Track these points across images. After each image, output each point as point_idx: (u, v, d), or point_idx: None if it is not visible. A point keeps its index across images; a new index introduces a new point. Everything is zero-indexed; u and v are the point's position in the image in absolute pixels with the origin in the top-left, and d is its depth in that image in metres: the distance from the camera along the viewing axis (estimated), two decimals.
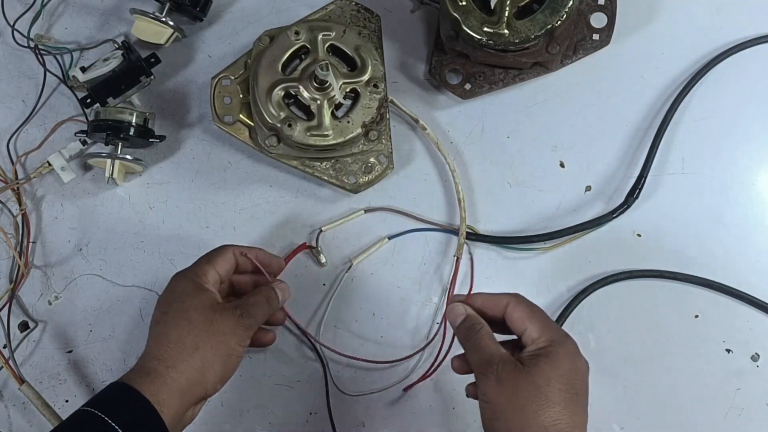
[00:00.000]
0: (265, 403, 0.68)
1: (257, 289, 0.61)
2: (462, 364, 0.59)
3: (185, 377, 0.54)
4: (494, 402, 0.53)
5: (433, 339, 0.68)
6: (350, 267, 0.70)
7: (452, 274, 0.69)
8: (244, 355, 0.58)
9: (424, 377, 0.67)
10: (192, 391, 0.55)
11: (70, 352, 0.69)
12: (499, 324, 0.57)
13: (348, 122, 0.66)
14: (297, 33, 0.67)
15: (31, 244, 0.71)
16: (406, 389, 0.68)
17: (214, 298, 0.58)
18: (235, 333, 0.57)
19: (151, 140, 0.69)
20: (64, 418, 0.66)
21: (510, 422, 0.52)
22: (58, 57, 0.73)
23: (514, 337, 0.57)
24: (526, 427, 0.51)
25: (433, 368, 0.67)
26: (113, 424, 0.51)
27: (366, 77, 0.67)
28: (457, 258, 0.69)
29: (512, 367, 0.53)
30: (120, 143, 0.68)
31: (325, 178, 0.69)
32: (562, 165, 0.73)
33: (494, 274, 0.70)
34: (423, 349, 0.68)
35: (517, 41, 0.65)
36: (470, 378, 0.57)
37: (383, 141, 0.69)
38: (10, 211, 0.71)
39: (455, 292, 0.69)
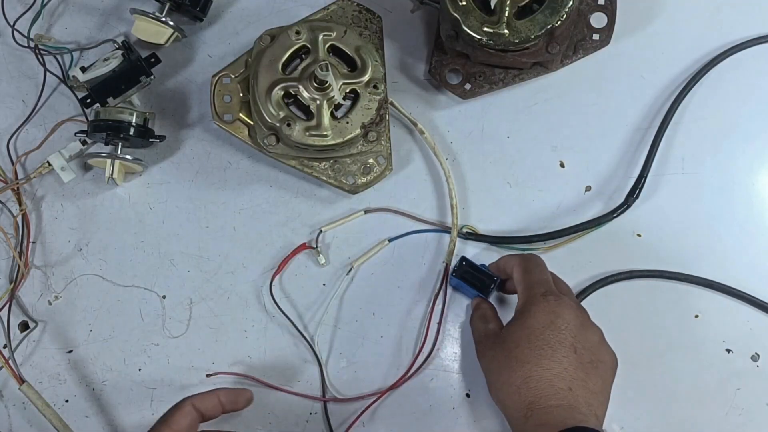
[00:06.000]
0: (265, 402, 0.68)
1: None
2: None
3: None
4: (484, 373, 0.61)
5: (423, 344, 0.69)
6: (351, 270, 0.70)
7: (442, 280, 0.69)
8: None
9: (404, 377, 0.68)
10: None
11: (70, 352, 0.69)
12: None
13: (347, 123, 0.66)
14: (298, 33, 0.67)
15: (31, 244, 0.71)
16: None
17: None
18: None
19: (151, 140, 0.69)
20: (64, 418, 0.66)
21: (492, 388, 0.59)
22: (58, 57, 0.73)
23: None
24: (501, 389, 0.58)
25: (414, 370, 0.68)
26: None
27: (366, 78, 0.67)
28: (447, 264, 0.69)
29: (491, 340, 0.61)
30: (120, 143, 0.68)
31: (324, 178, 0.69)
32: (562, 165, 0.73)
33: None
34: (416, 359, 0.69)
35: (517, 41, 0.65)
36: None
37: (382, 142, 0.69)
38: (10, 211, 0.71)
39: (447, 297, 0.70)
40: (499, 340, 0.59)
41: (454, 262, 0.69)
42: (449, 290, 0.70)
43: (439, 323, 0.68)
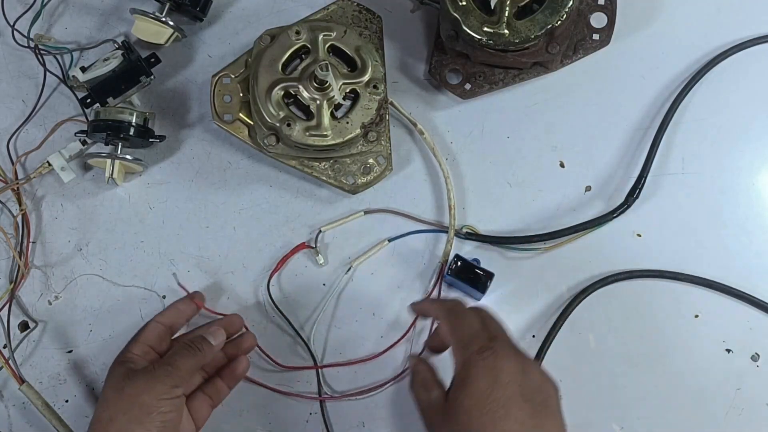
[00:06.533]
0: (264, 403, 0.68)
1: (178, 339, 0.62)
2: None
3: None
4: None
5: (408, 331, 0.69)
6: (350, 269, 0.70)
7: (436, 280, 0.69)
8: (186, 402, 0.59)
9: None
10: None
11: (70, 352, 0.69)
12: None
13: (347, 123, 0.66)
14: (298, 33, 0.67)
15: (31, 244, 0.71)
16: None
17: (129, 367, 0.58)
18: (149, 389, 0.56)
19: (151, 140, 0.69)
20: (64, 418, 0.66)
21: None
22: (58, 57, 0.73)
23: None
24: None
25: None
26: None
27: (366, 78, 0.67)
28: (442, 264, 0.69)
29: (439, 413, 0.55)
30: (120, 143, 0.68)
31: (324, 178, 0.69)
32: (562, 165, 0.73)
33: (494, 275, 0.70)
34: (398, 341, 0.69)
35: (517, 41, 0.65)
36: None
37: (382, 142, 0.69)
38: (10, 211, 0.71)
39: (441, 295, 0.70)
40: (449, 412, 0.54)
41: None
42: (447, 289, 0.70)
43: (432, 322, 0.68)
